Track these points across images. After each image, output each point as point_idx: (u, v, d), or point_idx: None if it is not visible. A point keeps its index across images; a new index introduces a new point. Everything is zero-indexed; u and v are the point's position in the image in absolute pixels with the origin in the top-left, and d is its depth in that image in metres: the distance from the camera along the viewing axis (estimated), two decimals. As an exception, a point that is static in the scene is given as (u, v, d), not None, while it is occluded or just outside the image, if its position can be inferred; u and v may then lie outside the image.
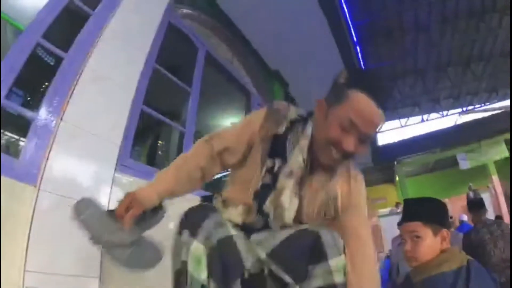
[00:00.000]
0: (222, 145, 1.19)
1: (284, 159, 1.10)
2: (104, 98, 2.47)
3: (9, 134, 5.70)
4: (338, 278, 0.96)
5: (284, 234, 1.06)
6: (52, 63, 4.15)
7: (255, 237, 1.09)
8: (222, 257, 0.96)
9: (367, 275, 1.07)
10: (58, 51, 2.33)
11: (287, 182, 1.09)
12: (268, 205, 1.09)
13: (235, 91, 5.31)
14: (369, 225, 1.22)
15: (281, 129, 1.13)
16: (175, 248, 0.96)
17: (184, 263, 0.91)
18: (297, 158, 1.09)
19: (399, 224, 1.59)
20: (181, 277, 0.92)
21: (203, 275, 0.91)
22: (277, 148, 1.12)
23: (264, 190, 1.09)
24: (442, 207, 1.55)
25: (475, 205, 3.39)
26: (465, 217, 6.33)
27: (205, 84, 3.93)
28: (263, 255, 1.04)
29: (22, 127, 2.05)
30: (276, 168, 1.10)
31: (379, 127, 1.05)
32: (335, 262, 0.96)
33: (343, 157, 1.06)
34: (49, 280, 1.81)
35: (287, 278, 0.99)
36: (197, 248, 0.92)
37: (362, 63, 8.58)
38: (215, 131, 1.29)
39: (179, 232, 0.96)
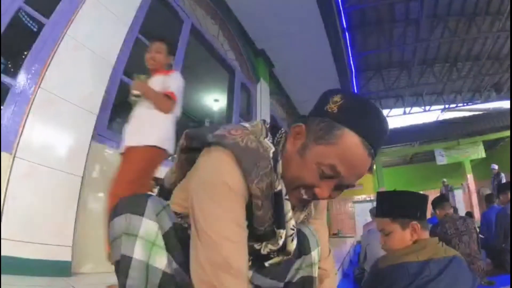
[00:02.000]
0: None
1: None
2: (84, 67, 2.45)
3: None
4: (315, 271, 1.00)
5: None
6: (35, 29, 4.05)
7: None
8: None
9: (332, 262, 1.17)
10: (39, 17, 2.31)
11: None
12: None
13: (219, 67, 5.28)
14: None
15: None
16: (112, 242, 0.80)
17: (124, 257, 0.76)
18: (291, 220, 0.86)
19: (371, 211, 1.63)
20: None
21: (159, 258, 0.78)
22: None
23: None
24: (414, 199, 1.57)
25: (439, 200, 3.50)
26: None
27: (188, 58, 3.90)
28: None
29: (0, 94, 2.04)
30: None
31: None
32: (316, 253, 0.99)
33: (312, 200, 0.86)
34: (23, 248, 1.83)
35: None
36: (148, 227, 0.78)
37: (349, 50, 8.55)
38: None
39: (112, 219, 0.80)
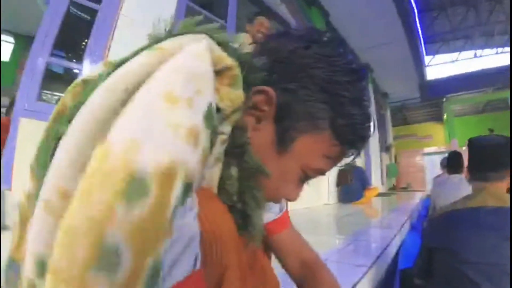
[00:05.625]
0: None
1: None
2: (142, 41, 2.50)
3: (59, 94, 6.10)
4: None
5: None
6: (88, 18, 4.31)
7: None
8: None
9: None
10: (91, 4, 2.47)
11: None
12: None
13: (273, 23, 5.12)
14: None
15: None
16: None
17: None
18: None
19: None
20: None
21: None
22: None
23: None
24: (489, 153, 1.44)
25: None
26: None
27: (240, 17, 3.84)
28: None
29: (69, 83, 2.21)
30: None
31: None
32: None
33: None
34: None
35: None
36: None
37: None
38: None
39: None
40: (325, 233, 2.55)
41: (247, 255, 0.54)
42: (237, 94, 0.40)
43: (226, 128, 0.40)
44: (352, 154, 0.56)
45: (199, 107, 0.29)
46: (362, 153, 7.23)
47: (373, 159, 8.46)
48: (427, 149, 14.18)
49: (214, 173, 0.42)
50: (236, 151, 0.44)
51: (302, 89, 0.48)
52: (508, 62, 12.10)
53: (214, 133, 0.33)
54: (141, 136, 0.24)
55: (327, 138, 0.50)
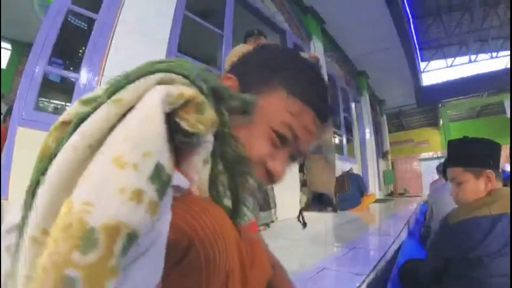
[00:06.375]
0: None
1: None
2: (140, 50, 2.58)
3: (56, 102, 6.17)
4: None
5: None
6: (86, 27, 4.33)
7: None
8: None
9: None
10: (89, 14, 2.49)
11: None
12: None
13: (268, 31, 5.16)
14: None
15: None
16: None
17: None
18: None
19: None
20: None
21: None
22: None
23: None
24: (487, 147, 1.47)
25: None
26: (507, 167, 6.17)
27: (237, 26, 3.88)
28: None
29: (66, 92, 2.29)
30: None
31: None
32: None
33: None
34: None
35: None
36: None
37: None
38: None
39: None
40: (323, 241, 2.55)
41: (247, 250, 0.56)
42: (207, 117, 0.44)
43: (209, 137, 0.46)
44: (319, 117, 0.62)
45: (144, 169, 0.34)
46: (359, 160, 7.21)
47: (370, 166, 8.47)
48: (423, 155, 14.24)
49: (203, 175, 0.47)
50: (218, 146, 0.49)
51: (253, 62, 0.64)
52: (502, 66, 12.23)
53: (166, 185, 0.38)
54: (94, 199, 0.31)
55: (284, 96, 0.59)
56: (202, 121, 0.43)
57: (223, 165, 0.50)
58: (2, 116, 3.38)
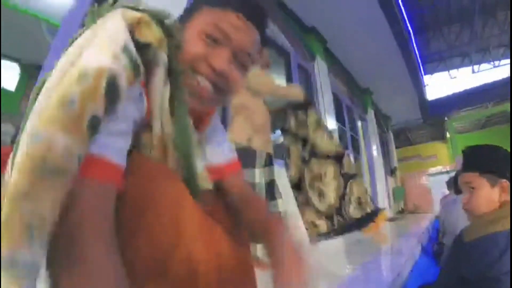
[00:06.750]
0: None
1: None
2: None
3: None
4: None
5: None
6: None
7: None
8: None
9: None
10: None
11: None
12: None
13: (272, 53, 5.20)
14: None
15: None
16: None
17: None
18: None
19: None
20: None
21: None
22: None
23: None
24: (504, 156, 1.39)
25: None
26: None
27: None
28: None
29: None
30: None
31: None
32: None
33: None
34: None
35: None
36: None
37: (403, 9, 7.92)
38: None
39: None
40: (334, 263, 2.50)
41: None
42: (154, 31, 0.57)
43: (162, 56, 0.59)
44: (244, 14, 0.71)
45: (117, 44, 0.50)
46: (368, 178, 7.09)
47: (378, 184, 8.38)
48: (432, 169, 14.02)
49: (165, 92, 0.61)
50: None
51: None
52: (505, 75, 12.18)
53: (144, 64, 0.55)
54: (91, 58, 0.48)
55: (208, 9, 0.71)
56: (151, 33, 0.56)
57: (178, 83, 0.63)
58: (9, 138, 3.36)
